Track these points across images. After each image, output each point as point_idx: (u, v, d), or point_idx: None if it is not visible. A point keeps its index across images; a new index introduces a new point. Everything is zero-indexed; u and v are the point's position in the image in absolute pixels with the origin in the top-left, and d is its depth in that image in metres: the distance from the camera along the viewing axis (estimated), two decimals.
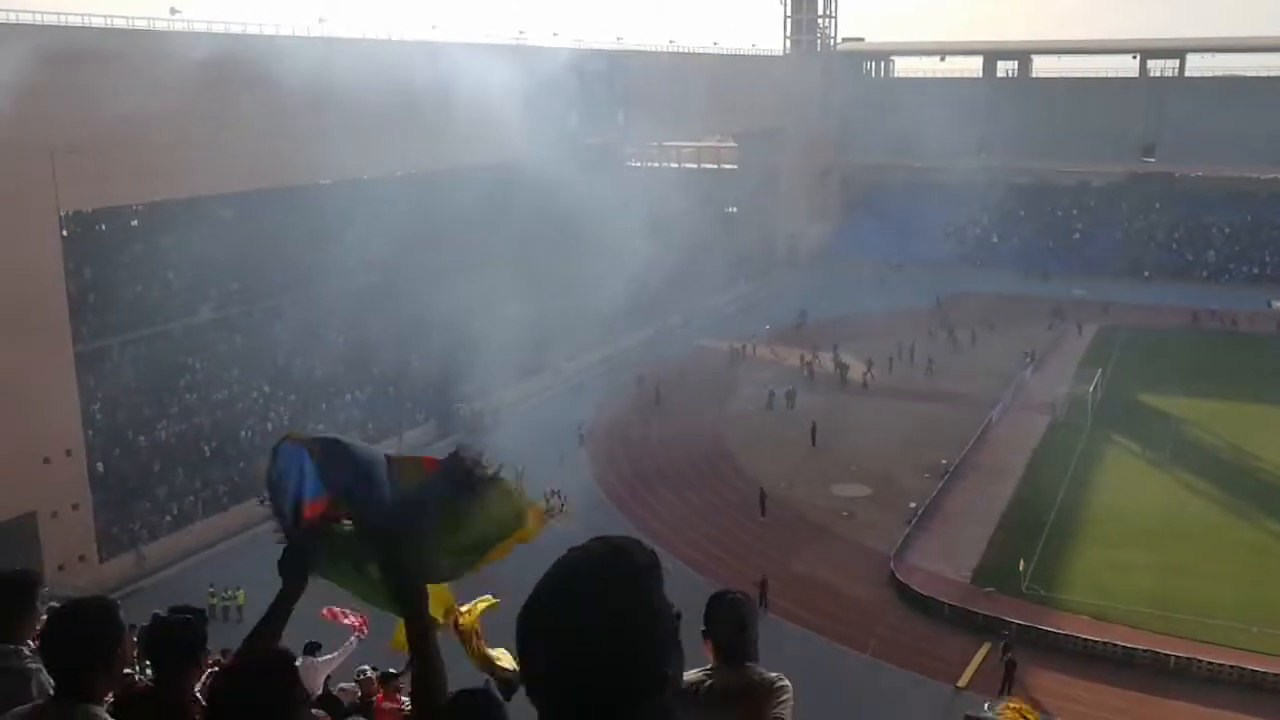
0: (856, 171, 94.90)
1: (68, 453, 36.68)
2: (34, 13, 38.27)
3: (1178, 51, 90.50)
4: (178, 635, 3.93)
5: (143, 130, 36.14)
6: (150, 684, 4.23)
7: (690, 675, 4.04)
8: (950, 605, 33.53)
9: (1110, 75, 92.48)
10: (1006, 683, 29.07)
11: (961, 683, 29.94)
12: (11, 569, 4.70)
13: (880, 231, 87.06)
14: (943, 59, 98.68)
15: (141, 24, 42.13)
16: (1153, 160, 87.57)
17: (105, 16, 40.86)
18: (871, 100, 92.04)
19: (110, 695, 3.74)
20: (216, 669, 3.17)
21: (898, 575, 35.47)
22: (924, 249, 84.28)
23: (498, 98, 50.32)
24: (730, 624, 4.06)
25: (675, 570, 34.53)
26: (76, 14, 38.56)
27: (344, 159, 47.94)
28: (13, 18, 36.17)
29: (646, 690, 1.61)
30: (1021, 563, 35.59)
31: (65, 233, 41.31)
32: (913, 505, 40.94)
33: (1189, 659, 30.03)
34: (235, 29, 46.00)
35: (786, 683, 4.01)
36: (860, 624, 33.20)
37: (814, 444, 48.13)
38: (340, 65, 43.40)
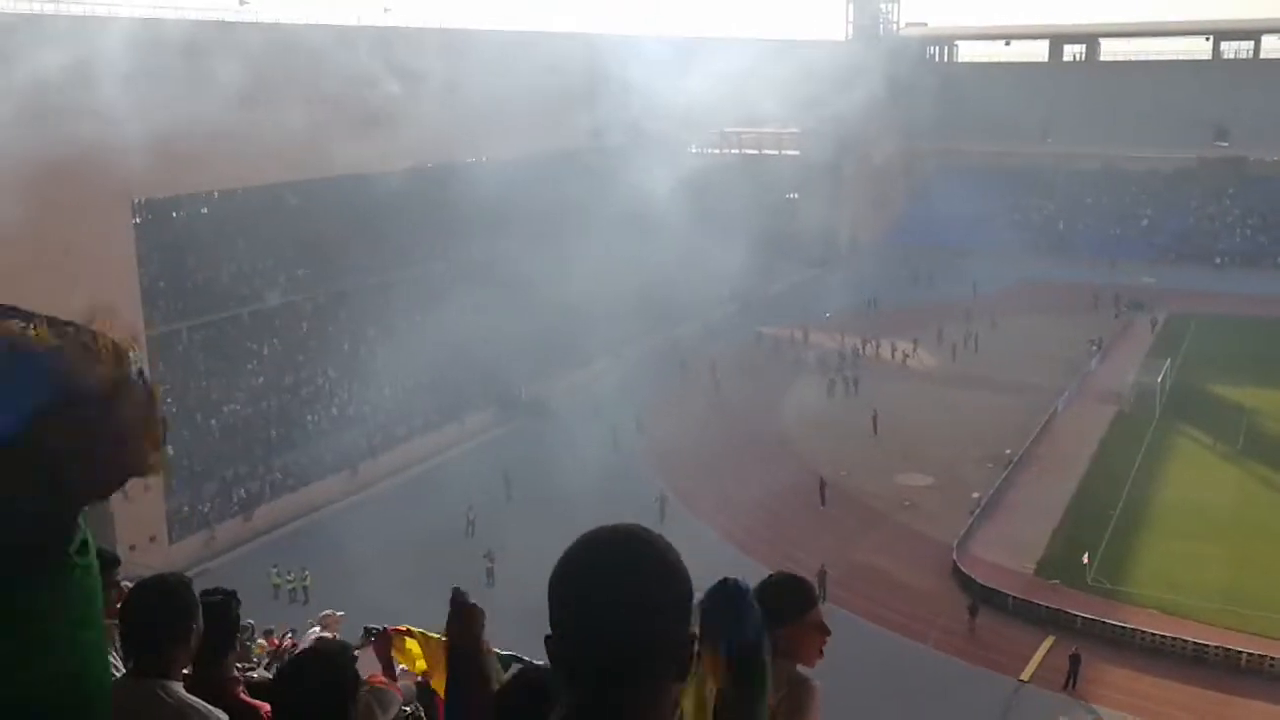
0: (919, 158, 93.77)
1: None
2: (109, 5, 39.10)
3: (1252, 33, 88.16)
4: (217, 616, 3.87)
5: (213, 119, 36.65)
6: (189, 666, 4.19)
7: None
8: (1014, 597, 33.13)
9: (1182, 58, 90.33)
10: (1071, 677, 28.72)
11: (1024, 676, 29.61)
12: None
13: (943, 218, 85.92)
14: (1008, 43, 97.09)
15: (212, 15, 42.84)
16: (1226, 145, 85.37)
17: (176, 8, 41.60)
18: (935, 86, 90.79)
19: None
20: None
21: (960, 566, 35.12)
22: (988, 236, 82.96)
23: (560, 85, 50.45)
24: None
25: (734, 558, 34.56)
26: (146, 5, 39.23)
27: (407, 146, 48.43)
28: (88, 10, 36.93)
29: (669, 655, 1.71)
30: (1087, 555, 35.06)
31: (138, 219, 42.16)
32: (975, 495, 40.49)
33: (1262, 656, 29.38)
34: (301, 20, 46.60)
35: (813, 683, 3.56)
36: (921, 615, 32.93)
37: (875, 432, 47.78)
38: (404, 54, 43.79)
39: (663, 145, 64.98)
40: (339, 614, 17.37)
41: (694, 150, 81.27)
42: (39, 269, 32.58)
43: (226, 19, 43.33)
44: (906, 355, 60.26)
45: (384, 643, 4.81)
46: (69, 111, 30.46)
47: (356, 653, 3.94)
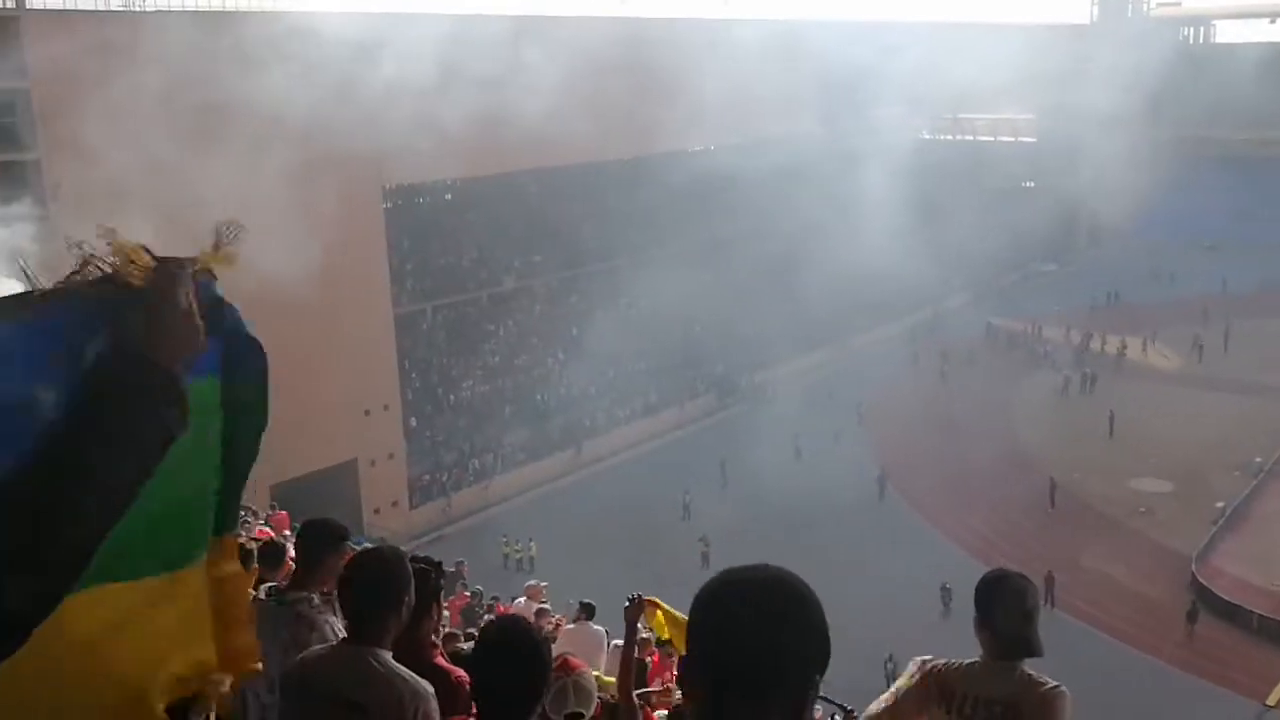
0: (1167, 146, 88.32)
1: (385, 407, 40.16)
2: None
3: None
4: (417, 584, 3.88)
5: (461, 108, 38.25)
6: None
7: (939, 664, 3.80)
8: (1260, 616, 31.14)
9: None
10: None
11: (1271, 701, 27.84)
12: (321, 518, 4.93)
13: (1193, 211, 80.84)
14: (1273, 22, 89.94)
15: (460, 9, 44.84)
16: None
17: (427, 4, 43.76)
18: (1189, 69, 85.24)
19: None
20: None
21: (1199, 578, 33.28)
22: (1242, 229, 77.45)
23: (790, 70, 50.34)
24: (1014, 612, 3.63)
25: (955, 557, 33.91)
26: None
27: (638, 134, 49.51)
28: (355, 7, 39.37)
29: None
30: None
31: (388, 205, 44.67)
32: (1219, 505, 38.19)
33: None
34: (542, 12, 48.12)
35: (1064, 690, 3.55)
36: (1155, 627, 31.42)
37: (1111, 433, 45.69)
38: (637, 44, 44.69)
39: (894, 131, 63.96)
40: (543, 584, 18.50)
41: (926, 136, 79.51)
42: (309, 252, 34.88)
43: (476, 12, 45.14)
44: (1147, 353, 57.27)
45: (636, 609, 5.34)
46: (343, 99, 32.57)
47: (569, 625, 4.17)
